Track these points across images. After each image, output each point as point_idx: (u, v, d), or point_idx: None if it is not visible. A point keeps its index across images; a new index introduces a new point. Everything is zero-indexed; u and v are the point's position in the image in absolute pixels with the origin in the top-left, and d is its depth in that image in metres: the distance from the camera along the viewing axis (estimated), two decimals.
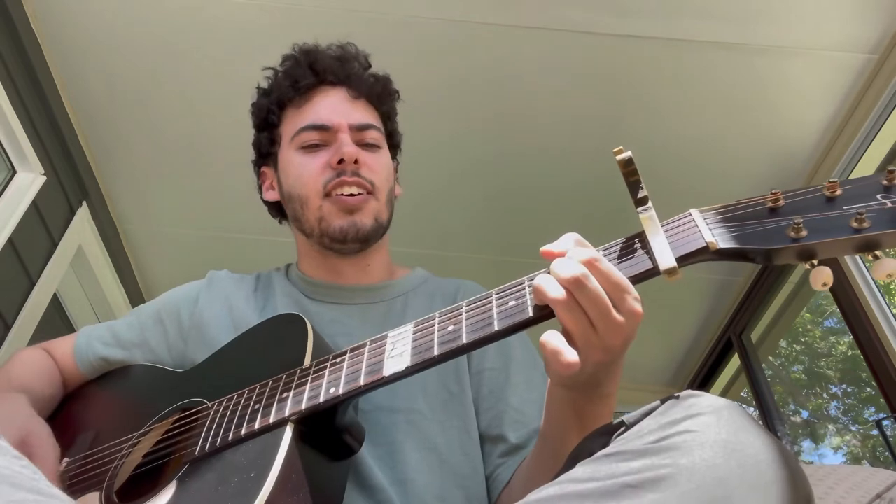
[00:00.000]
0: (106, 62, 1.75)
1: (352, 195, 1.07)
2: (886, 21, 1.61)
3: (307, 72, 1.15)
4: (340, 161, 1.07)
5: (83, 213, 1.94)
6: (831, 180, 0.65)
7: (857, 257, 1.75)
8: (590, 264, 0.65)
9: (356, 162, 1.07)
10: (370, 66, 1.20)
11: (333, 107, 1.13)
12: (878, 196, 0.63)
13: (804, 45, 1.67)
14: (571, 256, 0.66)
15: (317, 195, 1.08)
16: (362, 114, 1.14)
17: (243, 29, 1.69)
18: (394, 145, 1.23)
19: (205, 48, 1.72)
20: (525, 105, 1.84)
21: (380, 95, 1.18)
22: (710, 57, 1.70)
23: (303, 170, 1.10)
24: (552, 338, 0.64)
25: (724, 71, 1.73)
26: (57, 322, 1.98)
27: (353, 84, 1.15)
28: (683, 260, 0.67)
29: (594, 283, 0.64)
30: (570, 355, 0.63)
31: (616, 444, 0.61)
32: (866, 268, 1.78)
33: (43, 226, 1.75)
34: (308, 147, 1.11)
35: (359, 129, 1.12)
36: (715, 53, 1.69)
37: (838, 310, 1.88)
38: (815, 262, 0.65)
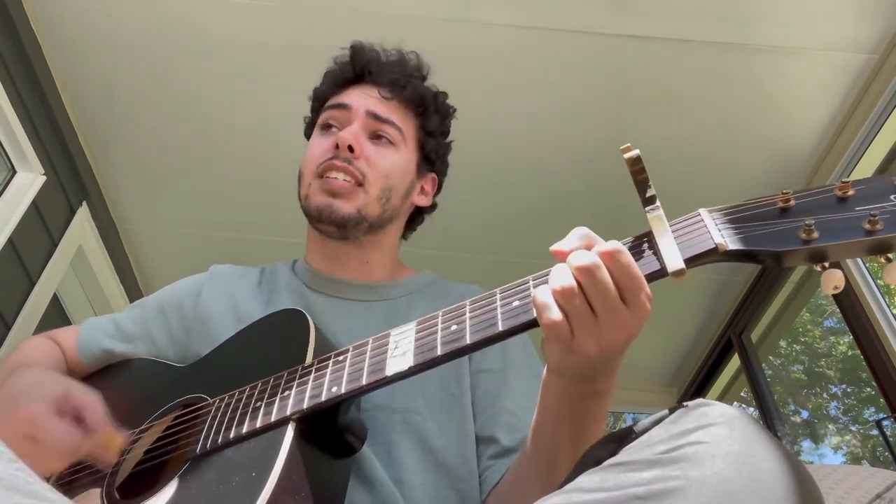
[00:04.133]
0: (106, 62, 1.75)
1: (337, 180, 1.08)
2: (886, 21, 1.62)
3: (348, 66, 1.18)
4: (338, 146, 1.09)
5: (83, 213, 1.94)
6: (843, 180, 0.63)
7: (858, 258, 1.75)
8: (610, 255, 0.64)
9: (352, 150, 1.08)
10: (424, 78, 1.20)
11: (360, 95, 1.15)
12: (892, 197, 0.61)
13: (804, 45, 1.68)
14: (596, 250, 0.66)
15: (311, 174, 1.11)
16: (387, 110, 1.14)
17: (243, 29, 1.69)
18: (428, 159, 1.20)
19: (204, 48, 1.72)
20: (525, 105, 1.84)
21: (417, 104, 1.17)
22: (711, 57, 1.70)
23: (311, 149, 1.14)
24: (542, 294, 0.65)
25: (725, 71, 1.73)
26: (57, 322, 1.98)
27: (388, 86, 1.15)
28: (692, 261, 0.65)
29: (604, 274, 0.63)
30: (555, 314, 0.63)
31: (625, 454, 0.59)
32: (867, 268, 1.78)
33: (43, 226, 1.75)
34: (325, 126, 1.15)
35: (376, 117, 1.13)
36: (715, 53, 1.70)
37: (838, 310, 1.88)
38: (826, 264, 0.63)
